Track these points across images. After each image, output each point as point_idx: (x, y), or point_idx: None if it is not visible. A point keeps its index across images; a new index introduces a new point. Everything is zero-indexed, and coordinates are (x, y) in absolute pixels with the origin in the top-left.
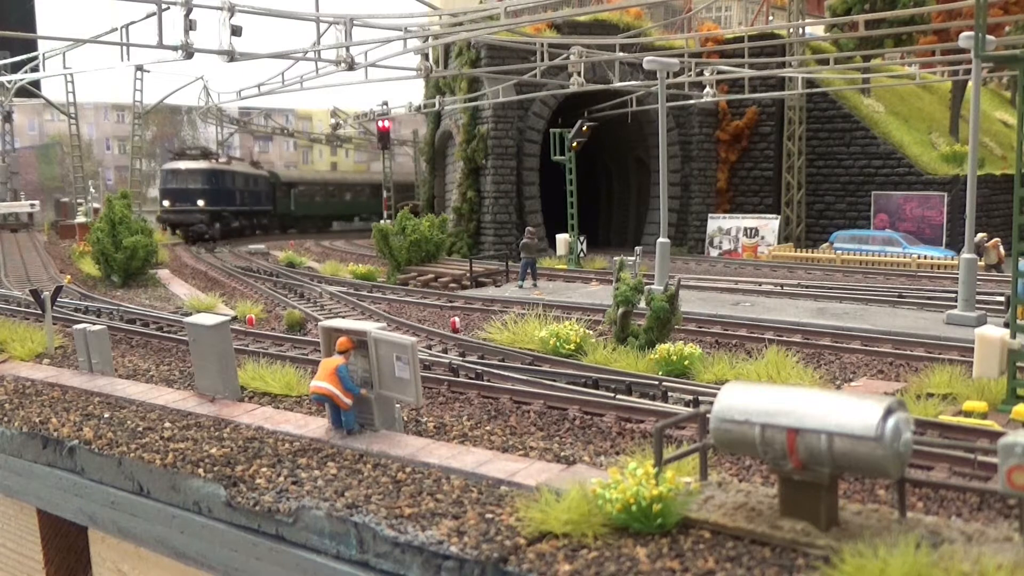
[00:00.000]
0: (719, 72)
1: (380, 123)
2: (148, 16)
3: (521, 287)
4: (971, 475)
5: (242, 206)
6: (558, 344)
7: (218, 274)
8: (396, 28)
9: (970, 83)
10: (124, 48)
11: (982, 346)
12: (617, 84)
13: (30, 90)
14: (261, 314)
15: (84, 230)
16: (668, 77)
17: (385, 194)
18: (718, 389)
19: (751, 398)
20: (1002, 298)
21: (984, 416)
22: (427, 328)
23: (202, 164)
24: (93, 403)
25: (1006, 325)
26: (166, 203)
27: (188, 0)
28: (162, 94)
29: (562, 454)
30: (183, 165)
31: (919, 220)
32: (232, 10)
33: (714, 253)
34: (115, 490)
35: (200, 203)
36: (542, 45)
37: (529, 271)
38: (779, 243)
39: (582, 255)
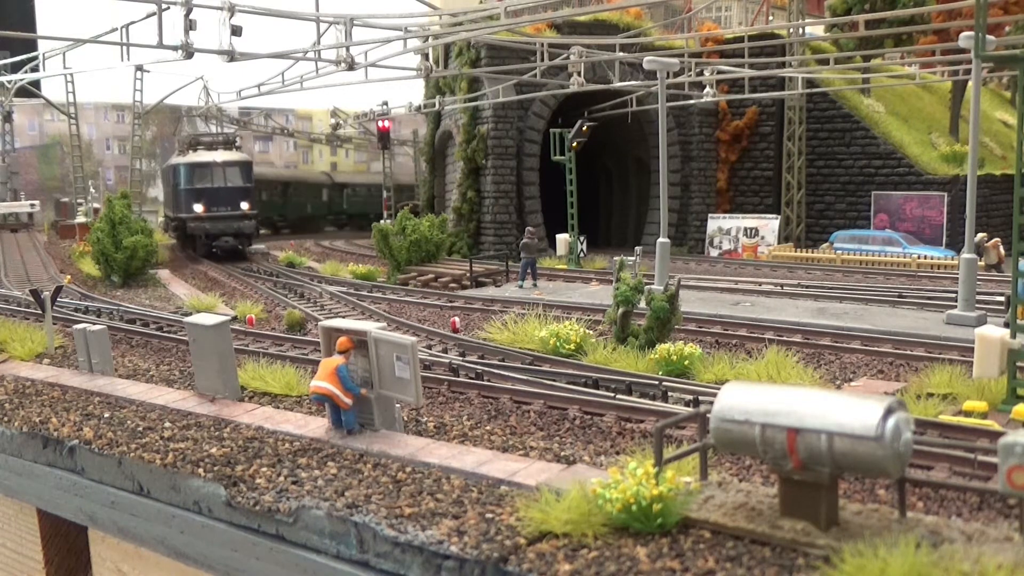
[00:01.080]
0: (719, 72)
1: (380, 123)
2: (148, 16)
3: (521, 287)
4: (971, 475)
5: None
6: (558, 344)
7: (218, 274)
8: (396, 28)
9: (970, 83)
10: (124, 48)
11: (982, 346)
12: (617, 84)
13: (30, 90)
14: (261, 314)
15: (84, 230)
16: (668, 77)
17: (385, 194)
18: (718, 389)
19: (751, 398)
20: (1002, 298)
21: (984, 416)
22: (427, 328)
23: (238, 155)
24: (93, 403)
25: (1006, 325)
26: (198, 208)
27: (188, 0)
28: (162, 94)
29: (562, 454)
30: (219, 157)
31: (919, 220)
32: (232, 10)
33: (714, 253)
34: (115, 490)
35: (244, 206)
36: (542, 45)
37: (529, 271)
38: (779, 243)
39: (582, 255)
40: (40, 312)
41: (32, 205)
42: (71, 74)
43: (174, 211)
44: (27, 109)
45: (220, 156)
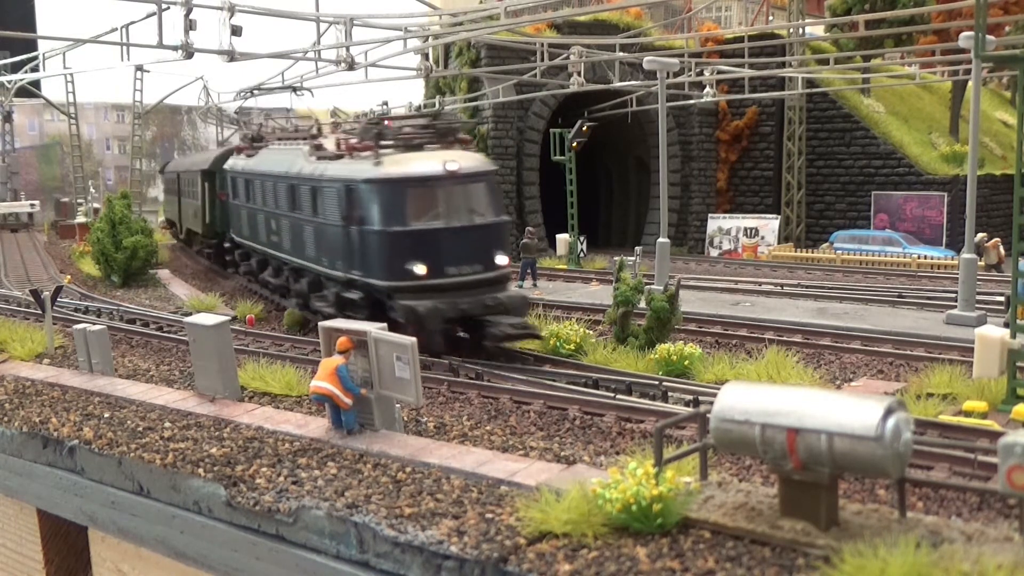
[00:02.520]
0: (719, 72)
1: None
2: (148, 16)
3: (521, 287)
4: (971, 475)
5: None
6: (558, 344)
7: (218, 274)
8: (396, 28)
9: (970, 83)
10: (124, 48)
11: (982, 346)
12: (617, 84)
13: (30, 90)
14: (261, 314)
15: (84, 230)
16: (668, 77)
17: None
18: (718, 389)
19: (751, 398)
20: (1002, 298)
21: (984, 416)
22: None
23: (477, 159)
24: (93, 403)
25: (1006, 325)
26: (417, 268)
27: (188, 0)
28: (162, 94)
29: (562, 454)
30: (450, 163)
31: (919, 220)
32: (232, 10)
33: (714, 253)
34: (115, 490)
35: (502, 261)
36: (542, 45)
37: (529, 271)
38: (779, 243)
39: (582, 255)
40: (40, 312)
41: (32, 205)
42: (71, 74)
43: (347, 268)
44: (27, 109)
45: (452, 161)
